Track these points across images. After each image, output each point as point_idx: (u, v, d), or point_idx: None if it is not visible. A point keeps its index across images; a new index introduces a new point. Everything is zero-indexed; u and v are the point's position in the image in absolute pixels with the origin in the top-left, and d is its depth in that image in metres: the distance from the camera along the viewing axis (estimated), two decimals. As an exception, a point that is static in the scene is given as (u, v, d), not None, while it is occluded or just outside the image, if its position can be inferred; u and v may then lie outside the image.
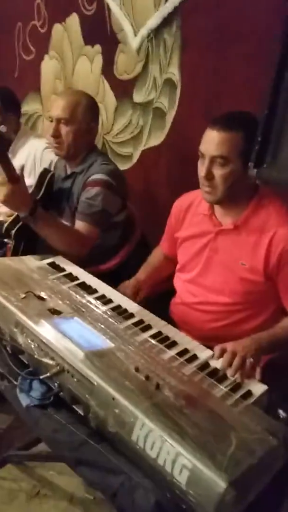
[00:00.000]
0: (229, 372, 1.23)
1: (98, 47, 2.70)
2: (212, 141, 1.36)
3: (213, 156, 1.36)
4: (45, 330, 1.20)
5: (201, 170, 1.40)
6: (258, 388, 1.20)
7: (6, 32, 3.21)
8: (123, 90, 2.58)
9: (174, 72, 2.29)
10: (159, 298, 1.76)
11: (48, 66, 3.04)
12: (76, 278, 1.56)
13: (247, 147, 1.33)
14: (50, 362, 1.14)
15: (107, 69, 2.65)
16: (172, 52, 2.27)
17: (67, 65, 2.93)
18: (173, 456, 0.92)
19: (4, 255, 1.94)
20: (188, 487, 0.91)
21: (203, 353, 1.30)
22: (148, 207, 2.29)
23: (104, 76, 2.69)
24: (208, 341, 1.38)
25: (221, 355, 1.28)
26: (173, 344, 1.31)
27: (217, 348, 1.30)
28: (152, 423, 0.96)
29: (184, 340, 1.35)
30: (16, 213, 1.78)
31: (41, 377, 1.14)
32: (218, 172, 1.37)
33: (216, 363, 1.27)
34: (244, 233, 1.45)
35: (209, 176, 1.38)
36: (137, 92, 2.51)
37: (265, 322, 1.51)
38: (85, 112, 1.86)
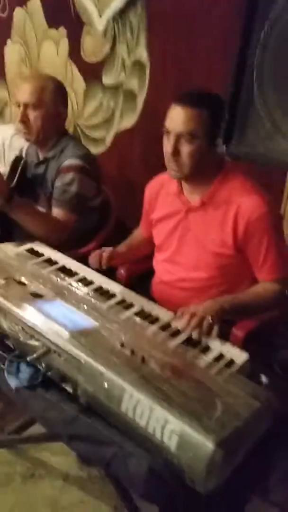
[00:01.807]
0: (186, 331, 1.28)
1: (63, 30, 2.66)
2: (178, 117, 1.37)
3: (180, 132, 1.37)
4: (29, 313, 1.21)
5: (167, 146, 1.41)
6: (240, 356, 1.24)
7: None
8: (91, 73, 2.56)
9: (142, 54, 2.28)
10: (140, 279, 1.79)
11: (12, 51, 2.98)
12: (56, 262, 1.58)
13: (213, 124, 1.35)
14: (36, 343, 1.16)
15: (74, 52, 2.62)
16: (139, 33, 2.26)
17: (32, 50, 2.88)
18: (162, 422, 0.96)
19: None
20: (178, 451, 0.95)
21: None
22: (124, 190, 2.30)
23: (71, 59, 2.66)
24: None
25: (181, 316, 1.33)
26: (156, 319, 1.35)
27: (179, 311, 1.35)
28: (140, 393, 1.00)
29: (166, 315, 1.38)
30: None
31: (28, 358, 1.16)
32: (184, 149, 1.39)
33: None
34: (211, 209, 1.48)
35: (175, 153, 1.39)
36: (106, 74, 2.49)
37: (243, 293, 1.56)
38: (52, 96, 1.84)
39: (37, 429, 1.69)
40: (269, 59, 1.02)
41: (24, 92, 1.82)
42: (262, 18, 1.03)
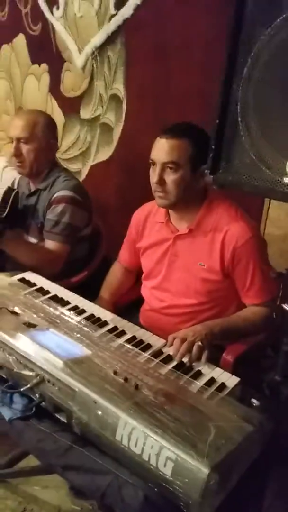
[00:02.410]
0: (177, 357, 1.30)
1: (44, 66, 2.75)
2: (162, 148, 1.44)
3: (164, 162, 1.44)
4: (22, 343, 1.22)
5: (153, 177, 1.47)
6: (231, 381, 1.26)
7: None
8: (70, 107, 2.64)
9: (119, 88, 2.36)
10: (129, 307, 1.81)
11: (-1, 86, 3.06)
12: (48, 292, 1.59)
13: (195, 153, 1.42)
14: (30, 373, 1.16)
15: (54, 87, 2.70)
16: (117, 68, 2.35)
17: (16, 85, 2.96)
18: (157, 450, 0.97)
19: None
20: (173, 478, 0.95)
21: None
22: (99, 221, 2.34)
23: (51, 94, 2.75)
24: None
25: (172, 343, 1.36)
26: (148, 346, 1.37)
27: (170, 337, 1.38)
28: (135, 421, 1.01)
29: (158, 343, 1.40)
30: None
31: (22, 389, 1.16)
32: (169, 177, 1.45)
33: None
34: (199, 236, 1.53)
35: (161, 181, 1.45)
36: (84, 108, 2.57)
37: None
38: (44, 129, 1.90)
39: (27, 463, 1.66)
40: (252, 93, 1.08)
41: (17, 127, 1.88)
42: (244, 53, 1.09)
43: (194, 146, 1.42)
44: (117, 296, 1.79)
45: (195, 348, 1.32)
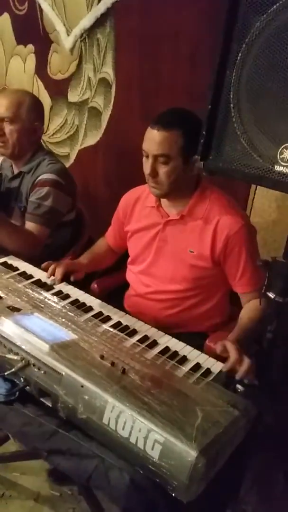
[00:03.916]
0: (240, 373, 1.20)
1: (31, 47, 2.69)
2: (153, 140, 1.42)
3: (155, 155, 1.42)
4: (6, 326, 1.20)
5: (146, 168, 1.46)
6: (216, 366, 1.27)
7: None
8: (57, 89, 2.59)
9: (108, 72, 2.33)
10: (113, 293, 1.80)
11: (-19, 66, 2.98)
12: (31, 276, 1.57)
13: (187, 143, 1.39)
14: (14, 357, 1.15)
15: (41, 68, 2.65)
16: (106, 52, 2.32)
17: (0, 65, 2.88)
18: (145, 433, 0.97)
19: None
20: (161, 460, 0.95)
21: (162, 339, 1.37)
22: (87, 205, 2.32)
23: (37, 75, 2.69)
24: (164, 329, 1.44)
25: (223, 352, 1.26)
26: (133, 332, 1.36)
27: (219, 343, 1.27)
28: (122, 404, 1.00)
29: (143, 328, 1.40)
30: None
31: (6, 373, 1.14)
32: (161, 169, 1.43)
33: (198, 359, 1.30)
34: (190, 222, 1.52)
35: (154, 173, 1.44)
36: (71, 91, 2.53)
37: (216, 305, 1.60)
38: (29, 111, 1.86)
39: (5, 448, 1.65)
40: (245, 79, 1.07)
41: (1, 106, 1.83)
42: (239, 39, 1.08)
43: (186, 136, 1.39)
44: (93, 265, 1.76)
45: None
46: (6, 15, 2.73)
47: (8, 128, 1.84)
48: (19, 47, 2.73)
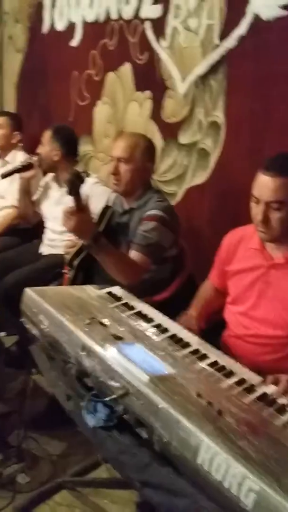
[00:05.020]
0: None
1: (148, 93, 2.86)
2: (266, 186, 1.42)
3: (269, 201, 1.42)
4: (111, 354, 1.26)
5: (257, 213, 1.46)
6: None
7: (62, 80, 3.45)
8: (169, 132, 2.71)
9: (218, 115, 2.40)
10: (209, 331, 1.79)
11: (101, 110, 3.23)
12: (133, 307, 1.63)
13: None
14: (116, 384, 1.19)
15: (156, 113, 2.80)
16: (218, 96, 2.40)
17: (118, 110, 3.11)
18: (240, 479, 0.95)
19: (59, 285, 2.05)
20: (254, 510, 0.92)
21: (260, 384, 1.33)
22: (190, 243, 2.36)
23: (152, 119, 2.85)
24: (262, 374, 1.40)
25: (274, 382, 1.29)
26: (230, 373, 1.35)
27: (270, 377, 1.31)
28: (218, 446, 0.99)
29: (241, 370, 1.37)
30: (79, 246, 1.92)
31: (108, 398, 1.19)
32: (274, 216, 1.43)
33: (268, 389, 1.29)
34: None
35: (265, 220, 1.45)
36: (182, 134, 2.63)
37: None
38: (142, 152, 2.01)
39: (100, 473, 1.69)
40: None
41: (119, 147, 2.01)
42: None
43: None
44: (205, 313, 1.77)
45: None
46: (127, 64, 2.96)
47: (123, 167, 2.00)
48: (137, 93, 2.93)
